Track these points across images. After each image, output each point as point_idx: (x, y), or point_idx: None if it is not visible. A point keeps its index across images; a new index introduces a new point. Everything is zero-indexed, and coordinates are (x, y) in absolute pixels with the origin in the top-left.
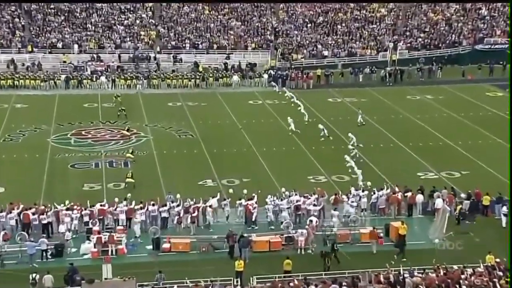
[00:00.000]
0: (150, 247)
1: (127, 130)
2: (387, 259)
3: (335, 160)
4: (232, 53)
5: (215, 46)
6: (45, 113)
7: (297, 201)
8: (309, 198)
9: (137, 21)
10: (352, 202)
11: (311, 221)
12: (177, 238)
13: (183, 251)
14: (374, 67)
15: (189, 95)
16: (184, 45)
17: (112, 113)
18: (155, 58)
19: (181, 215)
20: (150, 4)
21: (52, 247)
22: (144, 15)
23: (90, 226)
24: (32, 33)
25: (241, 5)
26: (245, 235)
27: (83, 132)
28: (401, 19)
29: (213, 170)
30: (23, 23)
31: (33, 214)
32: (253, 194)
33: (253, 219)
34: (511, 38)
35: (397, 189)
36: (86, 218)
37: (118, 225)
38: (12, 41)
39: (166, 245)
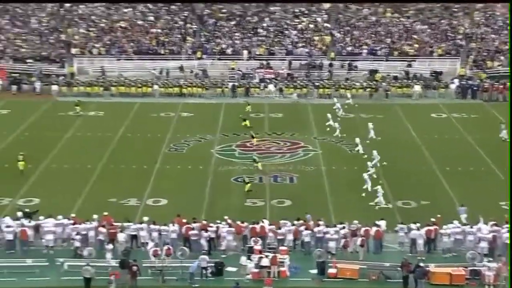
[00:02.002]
0: (315, 271)
1: (253, 137)
2: None
3: None
4: (415, 60)
5: (395, 52)
6: (210, 122)
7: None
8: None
9: (311, 25)
10: None
11: (500, 255)
12: (344, 263)
13: (351, 278)
14: None
15: (363, 106)
16: (360, 51)
17: (279, 124)
18: (330, 65)
19: (348, 238)
20: (326, 7)
21: (212, 264)
22: (319, 19)
23: (252, 244)
24: (202, 39)
25: (428, 6)
26: (422, 264)
27: (248, 144)
28: None
29: (387, 189)
30: (194, 29)
31: (194, 229)
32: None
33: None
34: (511, 39)
35: None
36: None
37: (283, 245)
38: (182, 47)
39: (332, 270)
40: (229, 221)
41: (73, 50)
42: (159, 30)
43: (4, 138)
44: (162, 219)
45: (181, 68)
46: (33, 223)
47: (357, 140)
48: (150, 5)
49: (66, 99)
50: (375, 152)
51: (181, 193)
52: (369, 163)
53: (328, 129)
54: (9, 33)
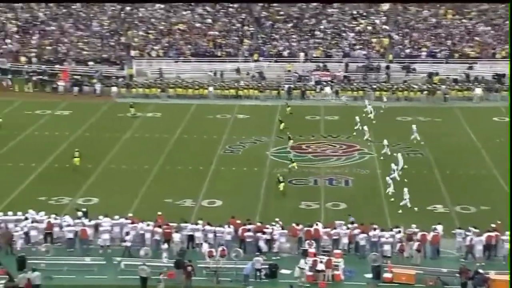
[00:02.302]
0: (370, 275)
1: (290, 139)
2: None
3: None
4: (476, 63)
5: (456, 55)
6: (266, 124)
7: None
8: None
9: (369, 28)
10: None
11: None
12: (400, 268)
13: (407, 283)
14: None
15: (421, 109)
16: (419, 53)
17: (335, 126)
18: (387, 67)
19: (404, 242)
20: (385, 9)
21: (267, 266)
22: (377, 21)
23: (306, 247)
24: (259, 41)
25: (492, 7)
26: (481, 271)
27: (303, 146)
28: None
29: (445, 194)
30: (251, 31)
31: (249, 230)
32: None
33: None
34: (511, 39)
35: None
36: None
37: (337, 248)
38: (239, 49)
39: (387, 275)
40: (280, 223)
41: (133, 53)
42: (217, 33)
43: (66, 138)
44: (217, 220)
45: (237, 70)
46: (93, 222)
47: (385, 142)
48: (208, 8)
49: (125, 101)
50: (399, 155)
51: (236, 194)
52: (393, 166)
53: (354, 133)
54: (72, 36)
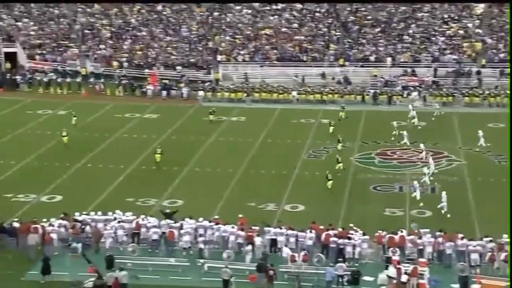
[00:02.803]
0: (456, 285)
1: (339, 142)
2: None
3: None
4: None
5: None
6: (350, 129)
7: None
8: None
9: (460, 32)
10: None
11: None
12: (489, 279)
13: None
14: None
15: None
16: None
17: (420, 132)
18: (478, 73)
19: (495, 252)
20: (478, 12)
21: (349, 273)
22: (470, 25)
23: (390, 254)
24: (346, 46)
25: None
26: None
27: (388, 152)
28: None
29: None
30: (338, 36)
31: (334, 236)
32: None
33: None
34: (511, 39)
35: None
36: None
37: (422, 256)
38: (325, 54)
39: (475, 286)
40: (359, 230)
41: (219, 57)
42: (303, 37)
43: (153, 141)
44: (299, 224)
45: (323, 75)
46: (178, 224)
47: (422, 146)
48: (295, 13)
49: (211, 105)
50: (430, 160)
51: (319, 199)
52: (425, 170)
53: (392, 138)
54: (162, 41)
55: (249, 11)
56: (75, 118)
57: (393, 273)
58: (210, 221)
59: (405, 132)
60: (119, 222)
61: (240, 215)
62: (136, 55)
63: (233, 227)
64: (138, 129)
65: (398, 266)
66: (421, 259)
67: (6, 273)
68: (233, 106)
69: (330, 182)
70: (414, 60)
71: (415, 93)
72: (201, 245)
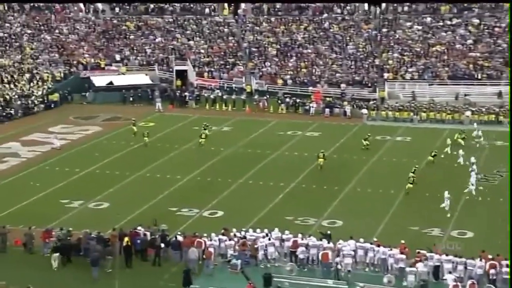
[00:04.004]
0: None
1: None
2: None
3: None
4: None
5: None
6: None
7: None
8: None
9: None
10: None
11: None
12: None
13: None
14: None
15: None
16: None
17: None
18: None
19: None
20: None
21: None
22: None
23: None
24: None
25: None
26: None
27: None
28: None
29: None
30: None
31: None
32: None
33: None
34: (511, 38)
35: None
36: None
37: None
38: (503, 72)
39: None
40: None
41: (386, 75)
42: (478, 54)
43: (313, 159)
44: (466, 252)
45: (499, 94)
46: (331, 244)
47: (460, 152)
48: (471, 28)
49: (375, 123)
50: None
51: (489, 227)
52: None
53: (442, 155)
54: (327, 59)
55: (419, 27)
56: (205, 131)
57: None
58: (371, 243)
59: (460, 151)
60: (276, 239)
61: (402, 241)
62: (301, 72)
63: (393, 250)
64: (299, 146)
65: None
66: None
67: (169, 285)
68: (398, 126)
69: (410, 186)
70: None
71: None
72: (339, 266)
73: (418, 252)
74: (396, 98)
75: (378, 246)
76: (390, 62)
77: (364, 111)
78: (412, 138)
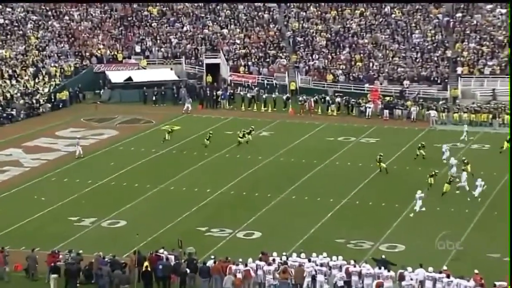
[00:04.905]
0: None
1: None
2: None
3: None
4: None
5: None
6: None
7: None
8: None
9: None
10: None
11: None
12: None
13: None
14: None
15: None
16: None
17: None
18: None
19: None
20: None
21: None
22: None
23: None
24: None
25: None
26: None
27: None
28: None
29: None
30: None
31: None
32: None
33: None
34: (511, 38)
35: None
36: None
37: None
38: None
39: None
40: None
41: (460, 69)
42: None
43: (369, 171)
44: None
45: None
46: (392, 273)
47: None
48: None
49: (445, 128)
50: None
51: None
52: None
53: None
54: (388, 50)
55: (503, 11)
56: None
57: None
58: (440, 272)
59: (452, 158)
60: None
61: (476, 271)
62: (355, 67)
63: (468, 281)
64: (352, 155)
65: None
66: None
67: None
68: (475, 131)
69: (447, 185)
70: None
71: None
72: None
73: (494, 286)
74: (472, 98)
75: (448, 276)
76: (465, 54)
77: (432, 113)
78: (492, 145)
